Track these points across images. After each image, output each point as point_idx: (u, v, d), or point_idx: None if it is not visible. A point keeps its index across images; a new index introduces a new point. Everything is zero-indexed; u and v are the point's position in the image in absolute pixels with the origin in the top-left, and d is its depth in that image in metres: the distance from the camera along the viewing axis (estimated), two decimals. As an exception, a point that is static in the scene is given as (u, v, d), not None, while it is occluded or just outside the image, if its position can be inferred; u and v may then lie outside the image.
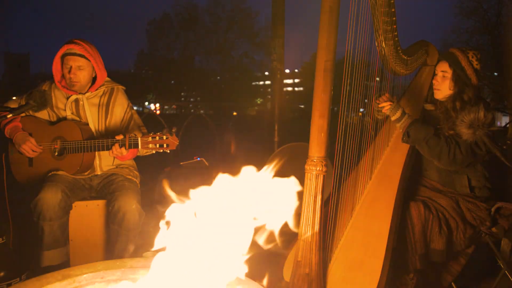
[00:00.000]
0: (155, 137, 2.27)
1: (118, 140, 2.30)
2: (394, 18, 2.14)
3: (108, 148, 2.31)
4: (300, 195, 1.67)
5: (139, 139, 2.28)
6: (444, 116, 2.24)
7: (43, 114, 2.51)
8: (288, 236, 1.70)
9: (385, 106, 2.22)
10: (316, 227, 1.85)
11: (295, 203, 1.51)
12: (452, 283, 2.27)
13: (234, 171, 1.54)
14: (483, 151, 2.09)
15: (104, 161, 2.56)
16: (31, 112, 2.45)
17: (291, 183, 1.52)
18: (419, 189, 2.31)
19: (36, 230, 2.28)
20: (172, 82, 40.39)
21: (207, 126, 7.34)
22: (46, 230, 2.27)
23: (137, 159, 2.67)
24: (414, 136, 2.15)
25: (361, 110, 2.23)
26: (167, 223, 1.47)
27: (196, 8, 38.05)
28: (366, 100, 2.37)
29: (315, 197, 1.85)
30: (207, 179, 1.50)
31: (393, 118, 2.23)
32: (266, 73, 41.45)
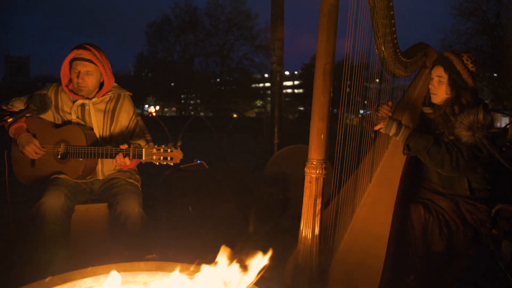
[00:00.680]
0: (159, 149, 2.26)
1: (123, 149, 2.29)
2: (393, 21, 2.15)
3: (112, 156, 2.31)
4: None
5: (143, 150, 2.27)
6: (443, 120, 2.24)
7: (48, 116, 2.51)
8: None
9: (380, 126, 2.22)
10: (316, 230, 1.85)
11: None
12: (453, 285, 2.27)
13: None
14: (485, 154, 2.09)
15: (106, 166, 2.56)
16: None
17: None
18: (419, 191, 2.31)
19: (38, 233, 2.28)
20: (172, 84, 40.46)
21: (207, 128, 7.34)
22: (48, 233, 2.26)
23: (138, 160, 2.67)
24: (414, 148, 2.15)
25: (360, 112, 2.23)
26: None
27: (195, 10, 38.20)
28: (365, 102, 2.37)
29: (315, 200, 1.85)
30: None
31: (390, 134, 2.23)
32: (266, 75, 41.57)
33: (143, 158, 2.27)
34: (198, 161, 4.12)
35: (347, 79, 1.96)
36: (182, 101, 43.19)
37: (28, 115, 2.35)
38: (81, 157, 2.34)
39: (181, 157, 2.27)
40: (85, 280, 1.54)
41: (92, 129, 2.50)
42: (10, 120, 2.11)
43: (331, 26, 1.80)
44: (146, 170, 2.83)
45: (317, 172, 1.83)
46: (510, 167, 2.21)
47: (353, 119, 2.15)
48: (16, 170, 2.48)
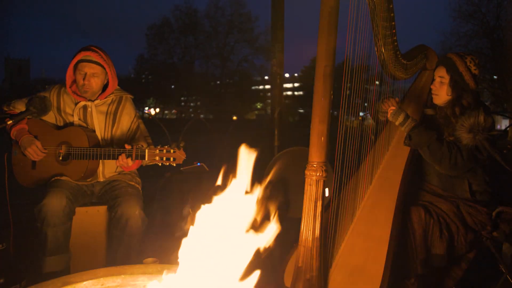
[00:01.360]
0: (162, 150, 2.26)
1: (125, 150, 2.29)
2: (393, 23, 2.15)
3: (114, 157, 2.30)
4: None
5: (147, 151, 2.27)
6: (444, 121, 2.24)
7: (50, 118, 2.50)
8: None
9: (388, 110, 2.22)
10: (317, 233, 1.84)
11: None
12: (453, 288, 2.26)
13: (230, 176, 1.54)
14: (484, 156, 2.09)
15: (107, 168, 2.55)
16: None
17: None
18: (420, 194, 2.31)
19: (39, 235, 2.28)
20: (172, 86, 40.48)
21: (207, 130, 7.33)
22: (50, 236, 2.26)
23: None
24: (415, 140, 2.15)
25: (361, 114, 2.23)
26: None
27: (196, 12, 38.27)
28: (366, 104, 2.37)
29: (316, 202, 1.84)
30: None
31: (396, 123, 2.23)
32: (266, 77, 41.56)
33: (146, 158, 2.27)
34: (199, 164, 4.11)
35: (347, 81, 1.95)
36: (182, 104, 43.22)
37: (28, 117, 2.35)
38: (84, 159, 2.33)
39: (184, 158, 2.27)
40: (84, 283, 1.53)
41: (94, 131, 2.50)
42: (10, 122, 2.11)
43: (331, 28, 1.80)
44: (146, 172, 2.82)
45: (318, 174, 1.83)
46: (510, 169, 2.20)
47: (353, 121, 2.15)
48: (16, 172, 2.47)
